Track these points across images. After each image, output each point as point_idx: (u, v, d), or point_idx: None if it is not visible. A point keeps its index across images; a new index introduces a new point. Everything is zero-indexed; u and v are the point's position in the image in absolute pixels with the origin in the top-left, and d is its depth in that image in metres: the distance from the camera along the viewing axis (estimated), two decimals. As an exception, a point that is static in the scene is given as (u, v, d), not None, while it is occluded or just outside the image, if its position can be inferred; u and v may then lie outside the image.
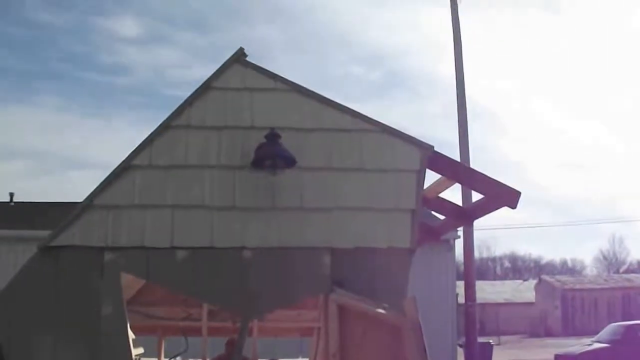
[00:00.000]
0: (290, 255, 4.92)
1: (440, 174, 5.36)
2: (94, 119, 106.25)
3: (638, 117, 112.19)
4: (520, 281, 63.56)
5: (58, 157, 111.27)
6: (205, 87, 5.11)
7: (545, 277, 54.11)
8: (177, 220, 4.94)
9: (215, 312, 8.48)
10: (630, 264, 77.77)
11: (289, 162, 4.82)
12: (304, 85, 5.16)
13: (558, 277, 54.27)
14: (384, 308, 4.73)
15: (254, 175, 4.95)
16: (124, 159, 5.01)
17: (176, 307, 7.40)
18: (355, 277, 4.90)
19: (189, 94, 5.09)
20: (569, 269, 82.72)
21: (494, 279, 66.64)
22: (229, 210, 4.97)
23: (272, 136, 4.81)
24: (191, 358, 7.84)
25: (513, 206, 5.20)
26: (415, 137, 5.13)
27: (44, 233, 5.17)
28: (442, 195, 6.01)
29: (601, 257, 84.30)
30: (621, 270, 70.47)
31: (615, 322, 26.64)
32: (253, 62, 5.16)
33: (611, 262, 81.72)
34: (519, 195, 5.17)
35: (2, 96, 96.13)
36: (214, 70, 5.14)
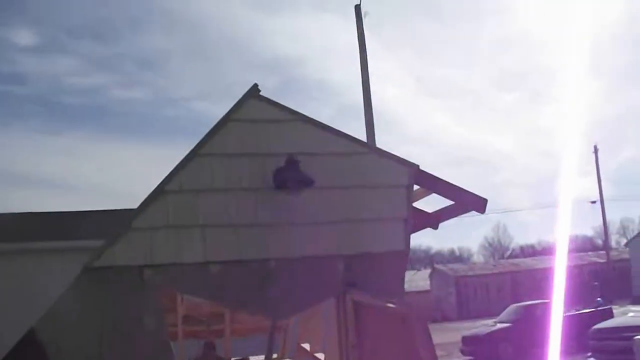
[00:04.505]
0: (308, 263, 5.77)
1: (422, 187, 6.38)
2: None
3: (519, 112, 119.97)
4: (414, 271, 66.61)
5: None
6: (225, 120, 5.84)
7: (438, 266, 57.23)
8: (208, 238, 5.66)
9: (189, 317, 9.18)
10: (513, 249, 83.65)
11: (309, 183, 5.68)
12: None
13: (450, 265, 57.53)
14: (391, 302, 5.67)
15: (273, 196, 5.75)
16: (157, 185, 5.66)
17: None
18: (363, 278, 5.83)
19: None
20: (457, 258, 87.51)
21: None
22: (253, 227, 5.75)
23: (292, 161, 5.65)
24: None
25: (481, 211, 6.32)
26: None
27: None
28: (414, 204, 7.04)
29: (486, 245, 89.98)
30: (506, 256, 75.51)
31: (505, 304, 29.18)
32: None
33: (496, 249, 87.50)
34: (486, 202, 6.29)
35: None
36: (226, 104, 5.87)
